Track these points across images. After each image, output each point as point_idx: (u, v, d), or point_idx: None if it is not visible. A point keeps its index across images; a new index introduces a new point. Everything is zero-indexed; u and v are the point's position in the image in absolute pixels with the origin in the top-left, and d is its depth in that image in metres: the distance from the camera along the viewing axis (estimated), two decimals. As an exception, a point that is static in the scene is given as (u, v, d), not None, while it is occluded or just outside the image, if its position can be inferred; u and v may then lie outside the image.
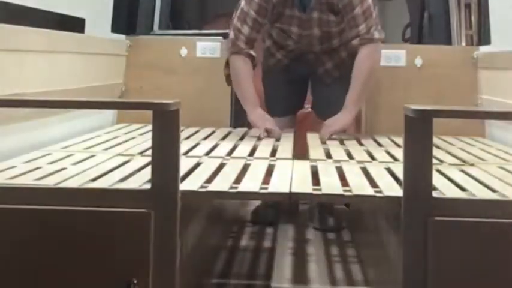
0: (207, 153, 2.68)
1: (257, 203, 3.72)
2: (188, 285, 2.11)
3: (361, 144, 3.11)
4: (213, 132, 3.41)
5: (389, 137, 3.29)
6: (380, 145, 3.08)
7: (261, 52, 3.74)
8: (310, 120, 3.87)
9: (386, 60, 3.68)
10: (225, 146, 2.90)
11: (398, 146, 3.04)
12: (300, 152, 3.32)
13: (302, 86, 3.68)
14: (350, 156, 2.72)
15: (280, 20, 3.41)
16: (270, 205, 3.68)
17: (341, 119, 3.31)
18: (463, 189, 2.06)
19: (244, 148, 2.85)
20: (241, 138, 3.19)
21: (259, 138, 3.18)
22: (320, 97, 3.62)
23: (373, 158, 2.71)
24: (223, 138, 3.17)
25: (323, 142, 3.13)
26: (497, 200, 1.91)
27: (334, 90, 3.53)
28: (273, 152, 2.74)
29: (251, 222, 3.65)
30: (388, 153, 2.83)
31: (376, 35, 3.32)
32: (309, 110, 3.85)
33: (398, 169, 2.17)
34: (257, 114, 3.36)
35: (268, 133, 3.25)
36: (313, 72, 3.61)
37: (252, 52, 3.37)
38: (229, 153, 2.70)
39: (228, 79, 3.56)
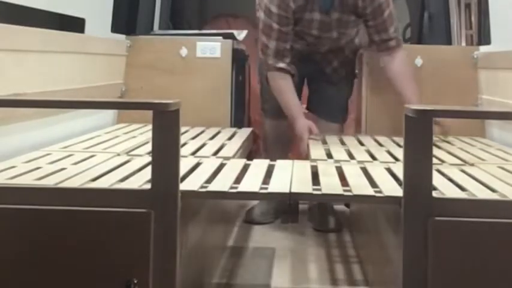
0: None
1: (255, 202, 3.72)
2: (188, 285, 2.11)
3: (362, 144, 3.11)
4: (218, 133, 3.42)
5: (390, 137, 3.30)
6: (381, 145, 3.09)
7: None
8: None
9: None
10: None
11: (399, 145, 3.04)
12: (298, 153, 3.33)
13: (300, 87, 3.66)
14: (351, 156, 2.72)
15: (299, 24, 3.38)
16: (266, 207, 3.69)
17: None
18: (463, 189, 2.06)
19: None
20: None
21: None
22: (325, 96, 3.60)
23: (374, 158, 2.71)
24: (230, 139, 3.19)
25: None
26: (497, 200, 1.91)
27: (340, 89, 3.60)
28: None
29: (245, 222, 3.66)
30: (389, 152, 2.83)
31: (400, 36, 3.48)
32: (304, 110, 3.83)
33: (398, 169, 2.17)
34: (301, 124, 3.29)
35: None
36: (320, 72, 3.60)
37: (282, 65, 3.34)
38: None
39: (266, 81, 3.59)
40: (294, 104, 3.36)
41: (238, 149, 2.96)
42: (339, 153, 2.79)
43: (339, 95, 3.62)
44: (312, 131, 3.24)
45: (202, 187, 2.00)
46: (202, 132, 3.44)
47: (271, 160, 2.56)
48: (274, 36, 3.31)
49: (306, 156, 3.09)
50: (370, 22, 3.37)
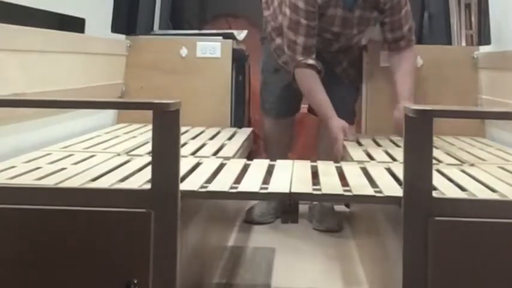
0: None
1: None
2: (188, 285, 2.11)
3: (360, 144, 3.11)
4: (218, 133, 3.42)
5: (389, 137, 3.30)
6: (379, 145, 3.09)
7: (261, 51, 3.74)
8: (310, 123, 3.88)
9: (386, 60, 3.67)
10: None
11: (397, 145, 3.04)
12: (301, 152, 3.33)
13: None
14: (390, 156, 2.74)
15: (321, 20, 3.31)
16: (266, 207, 3.67)
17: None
18: (463, 189, 2.06)
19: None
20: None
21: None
22: (333, 97, 3.44)
23: (371, 158, 2.71)
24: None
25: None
26: (497, 200, 1.91)
27: (348, 91, 3.57)
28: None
29: (246, 222, 3.64)
30: (387, 153, 2.84)
31: (413, 37, 3.41)
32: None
33: (398, 169, 2.17)
34: (336, 124, 3.23)
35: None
36: (329, 72, 3.49)
37: (311, 62, 3.29)
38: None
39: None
40: (326, 103, 3.29)
41: (238, 149, 2.96)
42: (377, 154, 2.79)
43: (346, 97, 3.57)
44: (345, 132, 3.20)
45: (202, 187, 2.00)
46: (202, 132, 3.44)
47: (272, 160, 2.56)
48: (303, 32, 3.25)
49: (340, 158, 3.06)
50: (386, 19, 3.34)
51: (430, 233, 1.78)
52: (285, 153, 3.66)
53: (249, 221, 3.64)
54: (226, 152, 2.82)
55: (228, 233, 3.39)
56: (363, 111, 3.69)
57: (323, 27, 3.33)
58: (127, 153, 2.64)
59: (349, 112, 3.55)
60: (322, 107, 3.31)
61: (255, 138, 3.90)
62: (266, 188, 2.02)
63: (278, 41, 3.54)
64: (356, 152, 2.88)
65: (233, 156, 2.70)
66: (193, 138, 3.22)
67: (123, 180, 2.06)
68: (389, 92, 3.48)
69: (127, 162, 2.42)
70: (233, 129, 3.60)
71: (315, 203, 3.61)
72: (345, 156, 3.04)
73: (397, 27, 3.35)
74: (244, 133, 3.50)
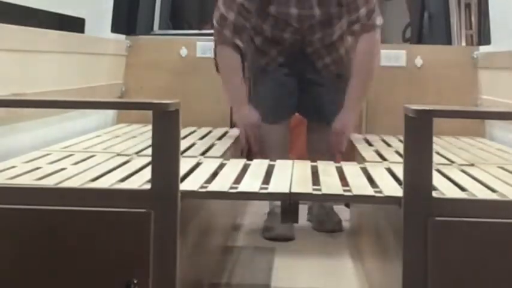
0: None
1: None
2: (188, 285, 2.11)
3: (389, 145, 3.12)
4: (209, 132, 3.42)
5: (382, 137, 3.31)
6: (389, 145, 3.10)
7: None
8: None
9: (386, 60, 3.68)
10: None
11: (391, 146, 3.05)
12: (300, 154, 3.33)
13: (294, 88, 3.37)
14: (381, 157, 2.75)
15: (274, 2, 3.14)
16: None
17: (348, 120, 3.14)
18: (463, 189, 2.05)
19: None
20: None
21: (241, 153, 3.07)
22: (314, 98, 3.32)
23: (373, 158, 2.72)
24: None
25: (341, 153, 3.07)
26: (497, 200, 1.91)
27: (330, 91, 3.30)
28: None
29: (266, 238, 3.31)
30: (379, 153, 2.85)
31: (378, 20, 3.12)
32: None
33: (398, 169, 2.17)
34: (243, 115, 3.12)
35: (252, 146, 3.03)
36: (311, 68, 3.31)
37: (239, 42, 3.13)
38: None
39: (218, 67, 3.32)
40: (242, 89, 3.14)
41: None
42: (389, 154, 2.79)
43: (329, 96, 3.30)
44: (254, 129, 3.08)
45: (202, 187, 2.00)
46: (210, 132, 3.45)
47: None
48: (236, 10, 3.09)
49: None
50: (343, 1, 3.13)
51: (430, 233, 1.78)
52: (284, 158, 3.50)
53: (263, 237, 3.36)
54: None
55: (228, 233, 3.39)
56: (363, 111, 3.69)
57: (280, 10, 3.15)
58: (127, 153, 2.64)
59: (331, 112, 3.27)
60: (237, 92, 3.16)
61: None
62: (266, 188, 2.02)
63: (257, 41, 3.34)
64: (368, 152, 2.88)
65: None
66: (201, 138, 3.23)
67: (123, 180, 2.06)
68: (389, 92, 3.48)
69: (127, 162, 2.42)
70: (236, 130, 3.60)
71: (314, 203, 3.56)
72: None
73: (353, 8, 3.11)
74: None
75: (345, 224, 3.59)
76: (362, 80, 3.15)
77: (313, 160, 2.67)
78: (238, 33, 3.13)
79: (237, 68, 3.15)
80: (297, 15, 3.17)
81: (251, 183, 2.09)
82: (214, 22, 3.17)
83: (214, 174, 2.23)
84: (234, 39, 3.13)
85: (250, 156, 3.20)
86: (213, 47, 3.31)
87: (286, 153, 3.39)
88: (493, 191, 2.03)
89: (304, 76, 3.34)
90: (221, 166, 2.40)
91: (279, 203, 3.06)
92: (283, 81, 3.32)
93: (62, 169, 2.21)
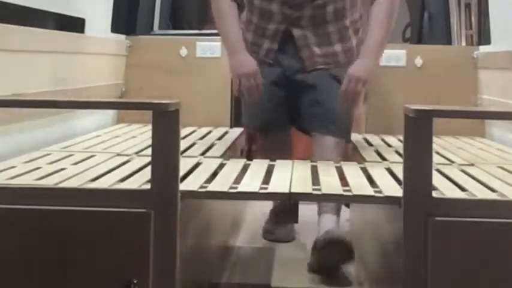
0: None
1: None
2: (188, 285, 2.11)
3: (390, 146, 3.12)
4: (209, 132, 3.42)
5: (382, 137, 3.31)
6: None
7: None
8: None
9: (386, 60, 3.67)
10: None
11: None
12: (301, 152, 3.31)
13: (282, 98, 2.97)
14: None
15: None
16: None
17: (364, 65, 2.75)
18: (463, 189, 2.05)
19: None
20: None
21: (241, 153, 2.95)
22: (309, 99, 2.91)
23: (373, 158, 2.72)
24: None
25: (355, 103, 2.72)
26: (497, 200, 1.91)
27: (327, 94, 2.86)
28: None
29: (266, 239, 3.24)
30: (379, 153, 2.85)
31: None
32: None
33: (398, 169, 2.17)
34: (238, 61, 2.80)
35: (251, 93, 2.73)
36: (298, 65, 2.91)
37: None
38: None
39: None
40: (238, 34, 2.85)
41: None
42: (389, 154, 2.78)
43: (325, 100, 2.86)
44: (250, 79, 2.76)
45: (202, 187, 2.00)
46: (209, 132, 3.45)
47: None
48: None
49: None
50: None
51: (430, 233, 1.78)
52: None
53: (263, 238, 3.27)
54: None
55: (228, 233, 3.39)
56: (363, 111, 3.69)
57: None
58: (127, 153, 2.64)
59: (333, 117, 2.84)
60: (233, 37, 2.86)
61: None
62: (266, 188, 2.02)
63: (249, 36, 2.97)
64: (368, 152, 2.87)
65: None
66: (201, 138, 3.22)
67: (123, 180, 2.06)
68: (389, 92, 3.48)
69: (127, 162, 2.42)
70: (238, 129, 3.60)
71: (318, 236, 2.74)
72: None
73: None
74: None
75: (345, 224, 3.59)
76: (381, 23, 2.80)
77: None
78: None
79: (233, 15, 2.88)
80: None
81: (251, 183, 2.09)
82: None
83: (214, 174, 2.23)
84: None
85: (250, 156, 3.20)
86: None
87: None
88: (493, 190, 2.03)
89: (294, 71, 2.93)
90: (221, 166, 2.40)
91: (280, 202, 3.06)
92: (272, 94, 2.93)
93: (62, 169, 2.21)
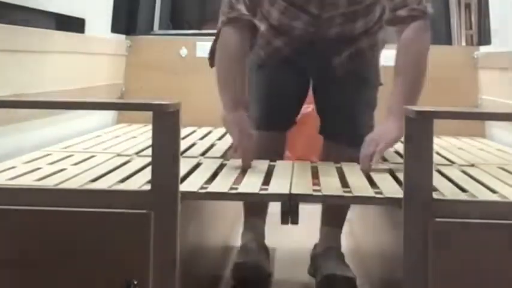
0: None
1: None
2: (188, 286, 2.11)
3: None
4: (209, 132, 3.42)
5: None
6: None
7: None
8: (312, 122, 3.52)
9: (386, 60, 3.66)
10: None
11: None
12: (302, 156, 3.30)
13: (295, 92, 2.75)
14: None
15: None
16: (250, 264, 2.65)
17: (390, 129, 2.30)
18: (463, 189, 2.05)
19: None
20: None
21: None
22: (333, 105, 2.67)
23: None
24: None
25: (368, 170, 2.27)
26: (498, 201, 1.91)
27: (351, 99, 2.64)
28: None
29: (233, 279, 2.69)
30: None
31: (429, 8, 2.41)
32: (309, 109, 3.26)
33: (399, 170, 2.16)
34: (236, 118, 2.47)
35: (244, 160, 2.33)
36: (326, 67, 2.66)
37: (256, 21, 2.47)
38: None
39: (212, 59, 2.57)
40: (236, 82, 2.46)
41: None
42: (389, 154, 2.74)
43: (349, 106, 2.63)
44: (249, 139, 2.39)
45: (202, 188, 2.00)
46: (209, 132, 3.44)
47: None
48: None
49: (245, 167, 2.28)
50: None
51: (430, 234, 1.78)
52: None
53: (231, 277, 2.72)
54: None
55: (228, 233, 3.39)
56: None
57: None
58: (127, 153, 2.64)
59: (354, 127, 2.60)
60: (227, 86, 2.50)
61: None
62: (266, 189, 2.02)
63: (261, 27, 2.58)
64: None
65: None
66: (201, 138, 3.22)
67: (123, 181, 2.06)
68: (389, 92, 3.47)
69: (127, 162, 2.42)
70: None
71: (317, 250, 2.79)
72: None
73: None
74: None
75: (345, 224, 3.58)
76: (411, 76, 2.39)
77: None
78: (253, 11, 2.49)
79: (239, 55, 2.46)
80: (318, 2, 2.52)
81: (251, 184, 2.09)
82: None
83: (214, 175, 2.23)
84: (249, 17, 2.46)
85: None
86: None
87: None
88: (494, 191, 2.03)
89: (319, 77, 2.71)
90: (221, 166, 2.39)
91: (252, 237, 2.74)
92: (280, 83, 2.70)
93: (62, 170, 2.21)
